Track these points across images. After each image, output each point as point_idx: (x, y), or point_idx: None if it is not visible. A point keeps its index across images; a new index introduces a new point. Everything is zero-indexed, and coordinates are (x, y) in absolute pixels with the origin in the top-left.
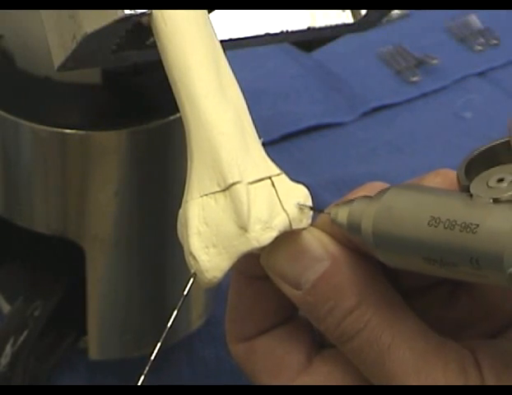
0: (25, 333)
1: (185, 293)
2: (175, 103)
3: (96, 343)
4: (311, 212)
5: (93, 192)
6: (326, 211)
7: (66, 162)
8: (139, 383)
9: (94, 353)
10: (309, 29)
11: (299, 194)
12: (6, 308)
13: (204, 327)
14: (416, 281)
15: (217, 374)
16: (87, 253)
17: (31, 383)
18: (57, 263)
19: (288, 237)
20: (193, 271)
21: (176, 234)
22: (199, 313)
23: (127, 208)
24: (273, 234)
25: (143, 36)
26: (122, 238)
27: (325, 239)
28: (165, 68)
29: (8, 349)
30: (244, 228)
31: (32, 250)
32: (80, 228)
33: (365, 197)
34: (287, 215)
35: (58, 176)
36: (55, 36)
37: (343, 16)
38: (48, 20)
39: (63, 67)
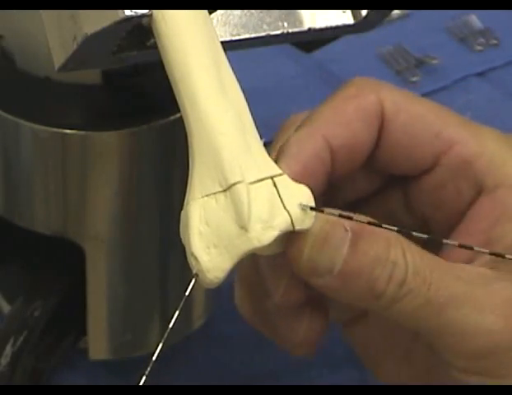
0: (25, 333)
1: (187, 293)
2: (176, 103)
3: (96, 343)
4: (313, 213)
5: (93, 192)
6: (326, 211)
7: (66, 162)
8: (141, 383)
9: (94, 353)
10: (309, 30)
11: (301, 194)
12: (7, 308)
13: (202, 327)
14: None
15: (215, 374)
16: (87, 253)
17: (31, 383)
18: (57, 263)
19: (300, 234)
20: (194, 271)
21: (176, 234)
22: (199, 313)
23: (127, 208)
24: (274, 233)
25: (144, 37)
26: (122, 238)
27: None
28: (166, 69)
29: (8, 349)
30: (244, 228)
31: (32, 250)
32: (80, 228)
33: None
34: (289, 215)
35: (58, 176)
36: (56, 37)
37: (344, 17)
38: (49, 20)
39: (64, 67)
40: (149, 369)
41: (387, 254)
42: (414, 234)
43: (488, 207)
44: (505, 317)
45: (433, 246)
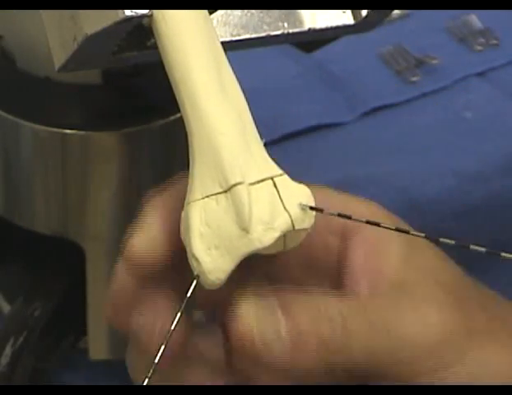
0: (25, 333)
1: (188, 295)
2: (176, 103)
3: (96, 343)
4: (313, 213)
5: (93, 192)
6: (325, 211)
7: (66, 162)
8: (144, 383)
9: (94, 353)
10: (309, 30)
11: (301, 194)
12: (7, 308)
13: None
14: None
15: None
16: (87, 253)
17: (31, 383)
18: (57, 263)
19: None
20: (195, 272)
21: None
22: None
23: (127, 208)
24: (275, 234)
25: (144, 37)
26: (122, 238)
27: None
28: (166, 69)
29: (8, 349)
30: (245, 229)
31: (32, 250)
32: (80, 228)
33: None
34: (289, 215)
35: (58, 176)
36: (56, 37)
37: (344, 17)
38: (49, 21)
39: (64, 68)
40: (151, 370)
41: (322, 312)
42: (412, 233)
43: (359, 249)
44: (438, 306)
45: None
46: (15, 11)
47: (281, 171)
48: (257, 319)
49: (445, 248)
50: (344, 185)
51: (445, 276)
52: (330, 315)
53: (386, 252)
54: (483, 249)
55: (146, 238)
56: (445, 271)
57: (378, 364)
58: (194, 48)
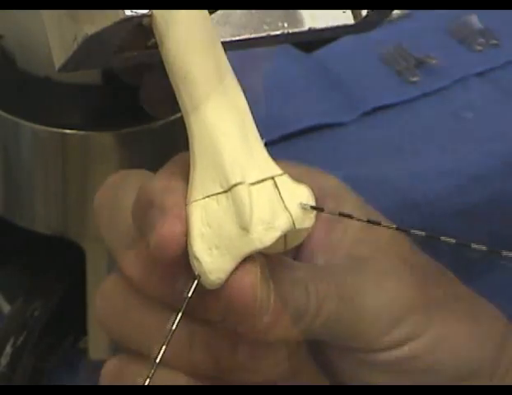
0: (25, 333)
1: (189, 295)
2: (176, 103)
3: (96, 343)
4: (314, 212)
5: (93, 192)
6: (326, 210)
7: (66, 162)
8: (146, 383)
9: (94, 353)
10: (309, 30)
11: (302, 194)
12: (7, 308)
13: None
14: None
15: None
16: (87, 253)
17: (31, 383)
18: (57, 263)
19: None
20: (196, 272)
21: None
22: None
23: None
24: (276, 234)
25: (144, 37)
26: None
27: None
28: (167, 69)
29: (8, 349)
30: (246, 229)
31: (32, 250)
32: (80, 228)
33: None
34: (290, 215)
35: (58, 176)
36: (56, 37)
37: (344, 17)
38: (49, 20)
39: (64, 68)
40: (153, 371)
41: (295, 275)
42: (412, 231)
43: (318, 225)
44: (398, 279)
45: (431, 244)
46: (15, 11)
47: (281, 171)
48: (258, 279)
49: (445, 247)
50: (343, 183)
51: (400, 250)
52: (305, 284)
53: (343, 228)
54: (484, 248)
55: (175, 219)
56: (400, 245)
57: (339, 334)
58: (195, 48)
